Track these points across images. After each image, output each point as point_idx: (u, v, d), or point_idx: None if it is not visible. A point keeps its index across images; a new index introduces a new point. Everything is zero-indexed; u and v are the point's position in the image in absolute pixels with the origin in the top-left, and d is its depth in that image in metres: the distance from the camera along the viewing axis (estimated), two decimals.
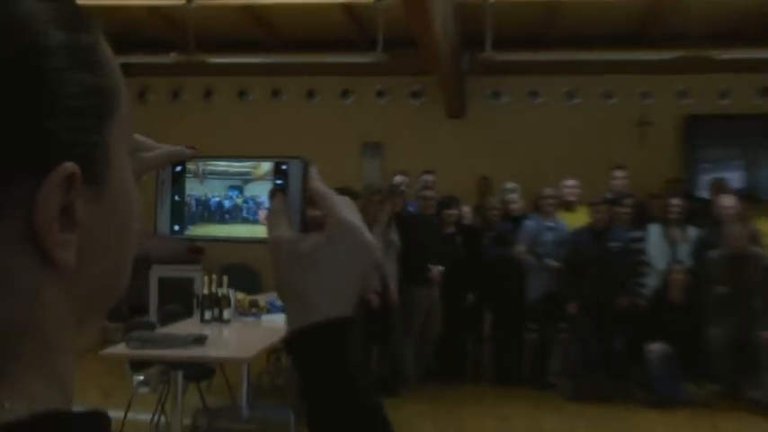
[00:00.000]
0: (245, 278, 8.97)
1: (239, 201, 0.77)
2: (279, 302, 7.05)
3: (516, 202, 8.27)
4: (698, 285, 7.43)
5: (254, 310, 6.80)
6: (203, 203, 0.77)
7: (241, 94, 10.67)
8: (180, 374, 5.09)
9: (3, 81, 0.46)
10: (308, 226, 0.74)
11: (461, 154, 10.02)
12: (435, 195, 8.08)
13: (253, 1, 8.47)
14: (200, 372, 5.91)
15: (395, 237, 7.41)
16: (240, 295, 6.89)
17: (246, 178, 0.77)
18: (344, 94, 10.62)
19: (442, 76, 9.10)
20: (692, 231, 8.00)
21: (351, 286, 0.73)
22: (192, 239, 0.78)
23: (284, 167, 0.75)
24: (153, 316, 6.90)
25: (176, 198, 0.77)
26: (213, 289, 6.36)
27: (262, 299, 7.21)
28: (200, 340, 5.15)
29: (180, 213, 0.77)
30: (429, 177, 8.45)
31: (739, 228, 7.42)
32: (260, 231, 0.75)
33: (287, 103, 10.69)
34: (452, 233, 7.96)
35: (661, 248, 7.95)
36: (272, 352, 7.39)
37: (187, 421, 5.70)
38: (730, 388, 7.50)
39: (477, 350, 8.63)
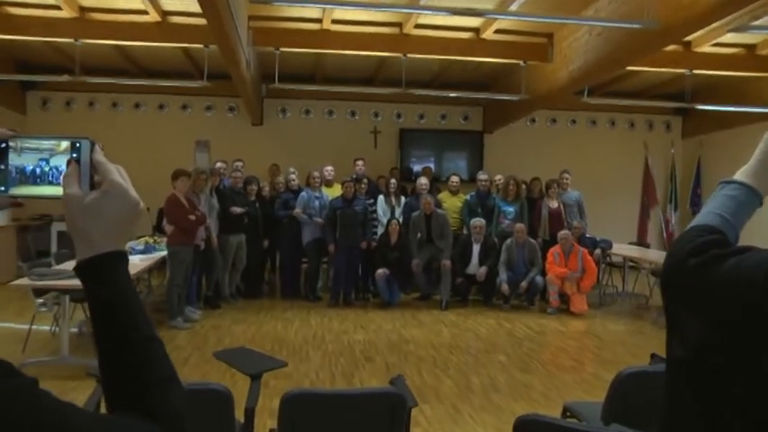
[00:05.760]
0: None
1: (47, 169, 0.79)
2: (138, 247, 7.22)
3: (295, 180, 8.62)
4: (406, 233, 8.18)
5: None
6: (21, 171, 0.79)
7: (114, 105, 11.09)
8: (67, 298, 5.34)
9: None
10: (94, 186, 0.77)
11: (260, 149, 10.53)
12: (242, 175, 8.26)
13: (122, 43, 8.39)
14: (83, 295, 6.46)
15: (215, 202, 7.62)
16: None
17: (52, 152, 0.79)
18: (184, 107, 11.22)
19: (248, 98, 9.49)
20: (403, 199, 8.91)
21: (121, 228, 0.76)
22: (14, 197, 0.79)
23: (78, 144, 0.78)
24: (52, 258, 6.83)
25: (1, 167, 0.79)
26: None
27: (126, 246, 7.75)
28: None
29: (4, 178, 0.79)
30: (239, 164, 8.69)
31: (429, 197, 8.31)
32: (61, 191, 0.77)
33: (146, 112, 11.17)
34: (253, 200, 8.21)
35: (385, 210, 8.71)
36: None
37: (74, 330, 5.97)
38: (424, 294, 8.49)
39: (271, 276, 9.13)
